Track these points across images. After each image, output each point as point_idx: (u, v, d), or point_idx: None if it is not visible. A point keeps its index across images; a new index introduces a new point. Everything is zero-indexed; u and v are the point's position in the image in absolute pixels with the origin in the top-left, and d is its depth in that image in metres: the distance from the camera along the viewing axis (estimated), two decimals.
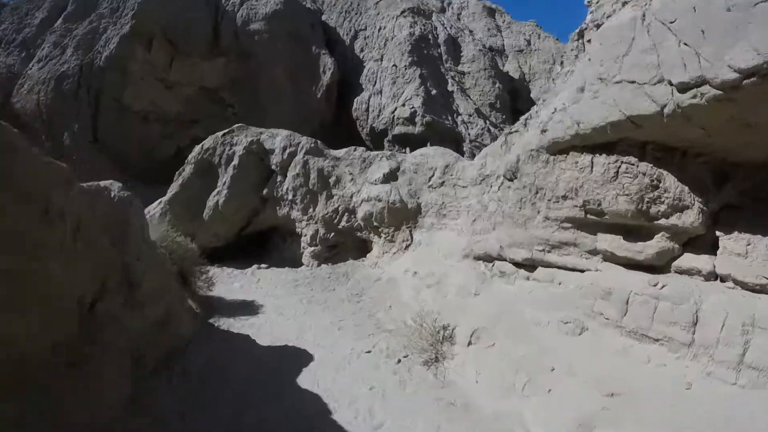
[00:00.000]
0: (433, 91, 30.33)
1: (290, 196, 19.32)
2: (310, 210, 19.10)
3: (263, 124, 23.14)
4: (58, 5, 30.91)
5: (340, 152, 19.35)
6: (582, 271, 9.30)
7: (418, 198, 16.66)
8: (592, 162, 8.76)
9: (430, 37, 34.09)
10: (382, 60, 33.18)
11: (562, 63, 13.75)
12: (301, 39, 34.89)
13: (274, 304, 14.35)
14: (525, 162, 10.67)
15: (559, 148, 9.57)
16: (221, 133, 21.05)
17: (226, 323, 13.16)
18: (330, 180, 18.88)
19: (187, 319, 11.66)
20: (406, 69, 31.03)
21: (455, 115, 30.16)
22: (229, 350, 10.34)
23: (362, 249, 18.51)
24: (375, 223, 17.07)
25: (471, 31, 36.60)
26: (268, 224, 20.76)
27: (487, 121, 30.39)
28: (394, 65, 31.60)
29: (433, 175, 16.47)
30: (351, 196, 18.02)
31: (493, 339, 9.60)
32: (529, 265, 10.92)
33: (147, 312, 8.36)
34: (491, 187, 13.40)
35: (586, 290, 8.70)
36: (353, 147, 19.67)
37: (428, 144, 25.41)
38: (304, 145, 19.22)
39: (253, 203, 19.57)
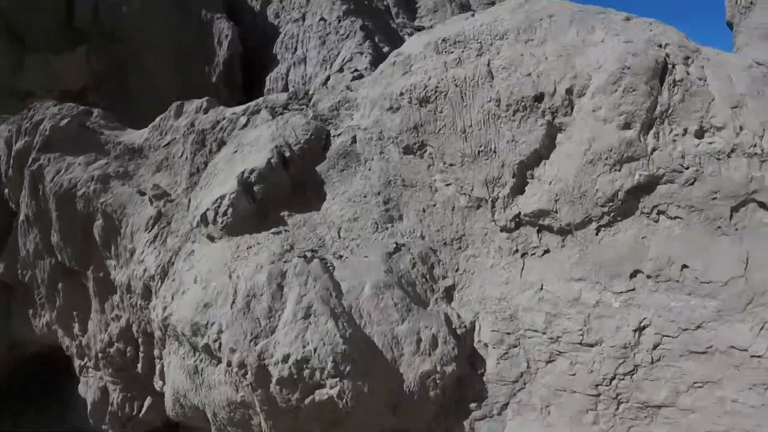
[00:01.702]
0: (385, 49, 17.38)
1: (38, 281, 5.67)
2: (75, 326, 5.50)
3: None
4: None
5: (141, 133, 5.81)
6: None
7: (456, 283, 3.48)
8: None
9: None
10: (304, 19, 20.02)
11: None
12: (185, 3, 21.54)
13: None
14: None
15: None
16: None
17: None
18: (100, 224, 5.20)
19: None
20: (340, 21, 18.03)
21: None
22: None
23: None
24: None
25: None
26: (36, 348, 7.14)
27: None
28: (321, 19, 18.55)
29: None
30: (155, 285, 4.43)
31: None
32: None
33: None
34: None
35: None
36: (176, 104, 6.27)
37: None
38: (47, 126, 5.59)
39: None
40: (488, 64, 4.27)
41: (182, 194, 6.47)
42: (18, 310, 7.50)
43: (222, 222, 4.75)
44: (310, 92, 6.16)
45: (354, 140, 4.87)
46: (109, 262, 6.52)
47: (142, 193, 6.57)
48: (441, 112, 4.30)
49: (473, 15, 5.04)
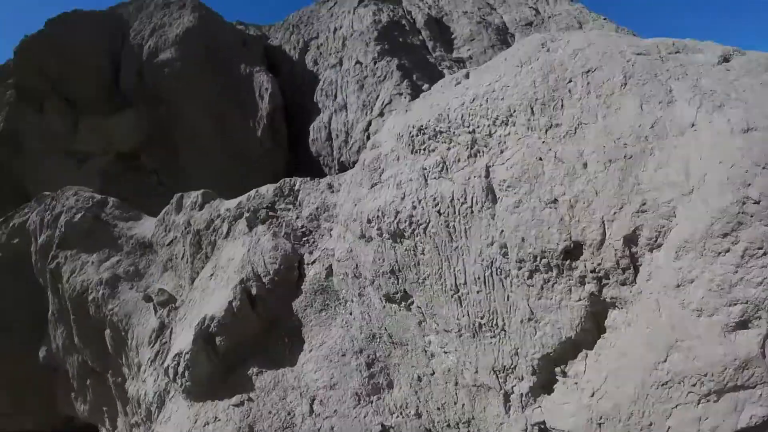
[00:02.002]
0: (424, 86, 16.27)
1: (70, 374, 5.07)
2: (106, 420, 4.69)
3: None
4: None
5: (151, 225, 5.05)
6: None
7: None
8: None
9: (404, 22, 20.42)
10: (341, 64, 19.52)
11: None
12: (223, 58, 21.82)
13: None
14: None
15: None
16: None
17: None
18: (109, 333, 4.46)
19: None
20: (375, 63, 17.25)
21: None
22: None
23: None
24: None
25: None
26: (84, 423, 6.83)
27: None
28: (357, 63, 17.89)
29: None
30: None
31: None
32: None
33: None
34: None
35: None
36: (177, 197, 5.44)
37: None
38: (62, 222, 5.13)
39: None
40: (487, 174, 2.61)
41: (187, 301, 5.69)
42: (63, 391, 7.21)
43: (181, 384, 3.78)
44: (296, 188, 5.11)
45: (330, 272, 3.68)
46: (124, 369, 5.93)
47: (149, 299, 5.94)
48: (422, 254, 2.79)
49: (467, 76, 3.45)
